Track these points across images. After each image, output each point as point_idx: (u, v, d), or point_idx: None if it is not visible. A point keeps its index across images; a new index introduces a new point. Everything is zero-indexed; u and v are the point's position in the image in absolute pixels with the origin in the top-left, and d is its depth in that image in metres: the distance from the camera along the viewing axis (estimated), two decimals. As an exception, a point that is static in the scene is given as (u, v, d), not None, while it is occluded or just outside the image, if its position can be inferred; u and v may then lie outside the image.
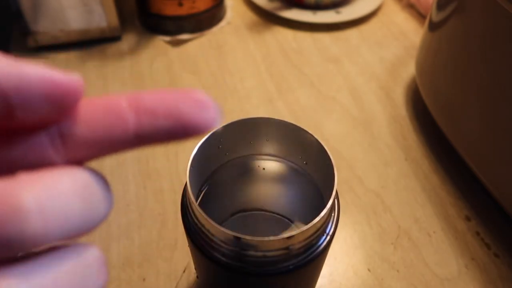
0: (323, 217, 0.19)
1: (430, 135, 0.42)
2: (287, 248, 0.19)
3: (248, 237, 0.18)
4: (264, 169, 0.26)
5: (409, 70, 0.50)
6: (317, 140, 0.22)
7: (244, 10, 0.59)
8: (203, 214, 0.19)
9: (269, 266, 0.19)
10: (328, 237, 0.20)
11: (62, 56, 0.50)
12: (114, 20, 0.50)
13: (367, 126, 0.43)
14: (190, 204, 0.20)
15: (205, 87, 0.47)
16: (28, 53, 0.50)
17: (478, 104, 0.33)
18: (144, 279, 0.31)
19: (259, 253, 0.19)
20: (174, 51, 0.52)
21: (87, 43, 0.51)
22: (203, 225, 0.19)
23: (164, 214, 0.35)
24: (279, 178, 0.26)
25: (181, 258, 0.32)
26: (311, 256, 0.20)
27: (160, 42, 0.53)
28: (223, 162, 0.25)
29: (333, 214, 0.21)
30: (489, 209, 0.36)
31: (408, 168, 0.39)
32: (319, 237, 0.20)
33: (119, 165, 0.38)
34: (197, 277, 0.29)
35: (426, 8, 0.56)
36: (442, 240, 0.34)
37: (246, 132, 0.24)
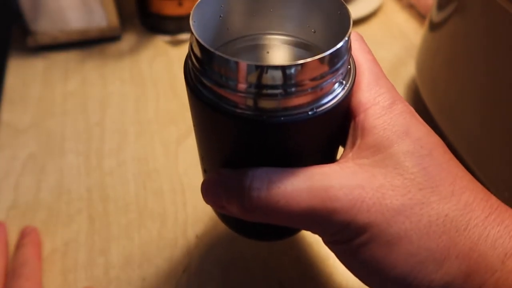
0: (340, 48, 0.17)
1: (430, 135, 0.42)
2: (303, 83, 0.17)
3: (269, 64, 0.16)
4: (268, 52, 0.24)
5: (409, 70, 0.50)
6: None
7: (244, 10, 0.59)
8: (211, 49, 0.17)
9: (286, 111, 0.18)
10: (346, 89, 0.19)
11: (62, 56, 0.50)
12: (114, 20, 0.50)
13: (367, 126, 0.43)
14: (193, 49, 0.18)
15: (205, 87, 0.47)
16: (28, 53, 0.50)
17: (478, 104, 0.33)
18: (144, 279, 0.31)
19: (277, 91, 0.17)
20: (174, 51, 0.52)
21: (87, 43, 0.51)
22: (211, 68, 0.18)
23: (164, 214, 0.35)
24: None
25: (181, 258, 0.32)
26: (329, 104, 0.19)
27: (160, 42, 0.53)
28: (225, 41, 0.24)
29: (349, 67, 0.20)
30: (489, 209, 0.36)
31: (408, 168, 0.39)
32: (335, 84, 0.19)
33: (119, 165, 0.38)
34: (204, 170, 0.25)
35: (426, 8, 0.56)
36: (442, 240, 0.34)
37: (248, 3, 0.23)
